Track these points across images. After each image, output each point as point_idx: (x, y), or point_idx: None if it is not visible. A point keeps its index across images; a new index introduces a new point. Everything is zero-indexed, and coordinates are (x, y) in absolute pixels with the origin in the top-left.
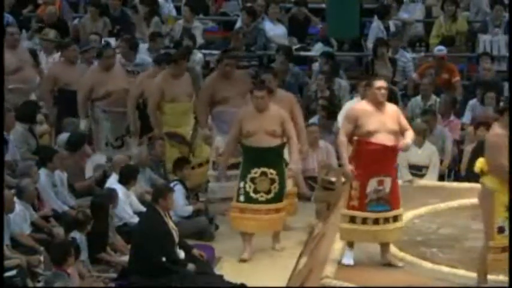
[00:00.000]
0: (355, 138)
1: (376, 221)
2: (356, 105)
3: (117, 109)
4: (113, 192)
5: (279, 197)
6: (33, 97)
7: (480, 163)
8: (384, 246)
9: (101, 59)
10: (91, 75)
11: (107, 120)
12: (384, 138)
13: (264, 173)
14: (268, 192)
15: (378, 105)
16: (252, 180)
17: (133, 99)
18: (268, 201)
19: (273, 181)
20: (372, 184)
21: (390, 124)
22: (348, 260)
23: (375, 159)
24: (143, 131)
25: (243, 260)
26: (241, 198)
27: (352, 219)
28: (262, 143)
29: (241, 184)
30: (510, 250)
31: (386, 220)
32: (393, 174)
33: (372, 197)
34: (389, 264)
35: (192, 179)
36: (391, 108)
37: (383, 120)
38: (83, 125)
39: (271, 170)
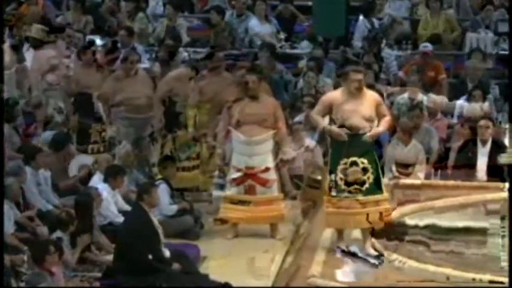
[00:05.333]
0: None
1: None
2: None
3: (139, 116)
4: (96, 191)
5: (375, 188)
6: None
7: None
8: None
9: (124, 63)
10: (111, 82)
11: (128, 127)
12: None
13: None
14: (362, 183)
15: None
16: (343, 171)
17: (158, 99)
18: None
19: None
20: None
21: None
22: None
23: None
24: (167, 130)
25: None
26: (333, 192)
27: None
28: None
29: (332, 177)
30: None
31: None
32: None
33: None
34: None
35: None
36: None
37: None
38: (110, 131)
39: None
